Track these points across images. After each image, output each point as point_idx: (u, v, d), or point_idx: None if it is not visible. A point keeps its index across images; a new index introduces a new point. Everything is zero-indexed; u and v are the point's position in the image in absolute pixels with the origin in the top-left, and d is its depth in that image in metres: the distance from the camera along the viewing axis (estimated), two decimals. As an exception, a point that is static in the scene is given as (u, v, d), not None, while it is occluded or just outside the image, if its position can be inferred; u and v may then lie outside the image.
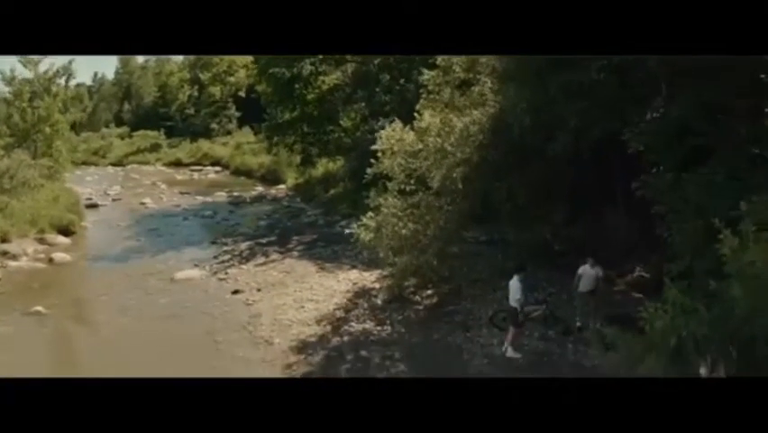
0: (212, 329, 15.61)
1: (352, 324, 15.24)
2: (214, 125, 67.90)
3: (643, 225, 14.07)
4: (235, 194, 38.98)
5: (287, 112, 35.46)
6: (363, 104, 32.54)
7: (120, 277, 20.80)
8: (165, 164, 60.21)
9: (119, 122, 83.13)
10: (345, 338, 14.49)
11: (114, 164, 62.66)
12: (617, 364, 7.41)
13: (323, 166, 36.88)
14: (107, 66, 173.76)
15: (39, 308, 17.50)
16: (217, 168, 54.44)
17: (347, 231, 21.37)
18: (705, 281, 7.48)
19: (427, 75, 17.86)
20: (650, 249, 14.58)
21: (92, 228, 30.16)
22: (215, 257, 22.88)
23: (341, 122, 34.25)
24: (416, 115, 17.09)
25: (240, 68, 64.94)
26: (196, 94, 72.81)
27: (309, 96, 34.71)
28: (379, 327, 14.98)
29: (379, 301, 16.54)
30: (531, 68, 14.02)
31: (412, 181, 16.42)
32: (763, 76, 11.46)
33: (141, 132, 70.72)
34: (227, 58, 65.25)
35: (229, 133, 66.29)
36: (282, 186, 40.02)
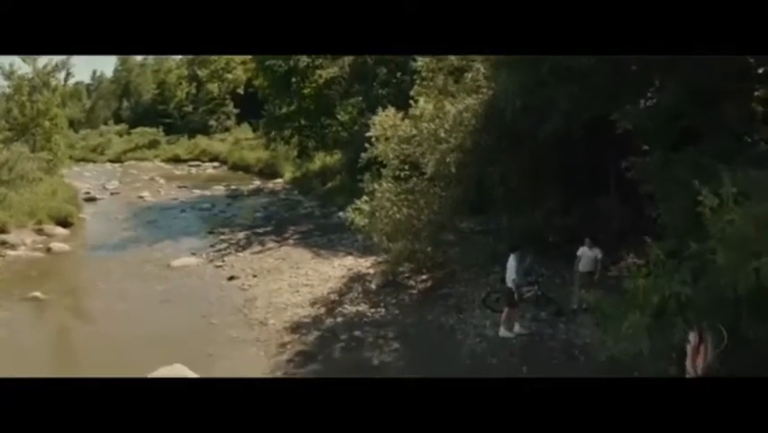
0: (207, 312, 15.79)
1: (346, 306, 15.41)
2: (212, 122, 68.00)
3: (636, 212, 14.20)
4: (233, 187, 39.12)
5: (284, 105, 35.63)
6: (360, 98, 32.69)
7: (117, 265, 20.98)
8: (163, 160, 60.24)
9: (118, 119, 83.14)
10: (339, 319, 14.67)
11: (112, 161, 62.61)
12: (604, 332, 7.53)
13: (320, 160, 37.00)
14: (106, 64, 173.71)
15: (37, 293, 17.68)
16: (215, 163, 54.52)
17: (341, 214, 21.41)
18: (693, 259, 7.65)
19: (421, 61, 18.01)
20: (643, 235, 14.74)
21: (90, 220, 30.31)
22: (212, 246, 23.06)
23: (338, 116, 34.39)
24: (411, 103, 17.25)
25: (238, 65, 65.07)
26: (194, 91, 72.90)
27: (306, 90, 34.88)
28: (372, 310, 15.13)
29: (373, 286, 16.69)
30: (522, 52, 14.13)
31: (406, 167, 16.60)
32: (750, 60, 11.65)
33: (139, 129, 70.67)
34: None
35: (227, 129, 66.42)
36: (280, 180, 40.14)
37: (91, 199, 35.80)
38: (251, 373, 12.22)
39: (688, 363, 9.29)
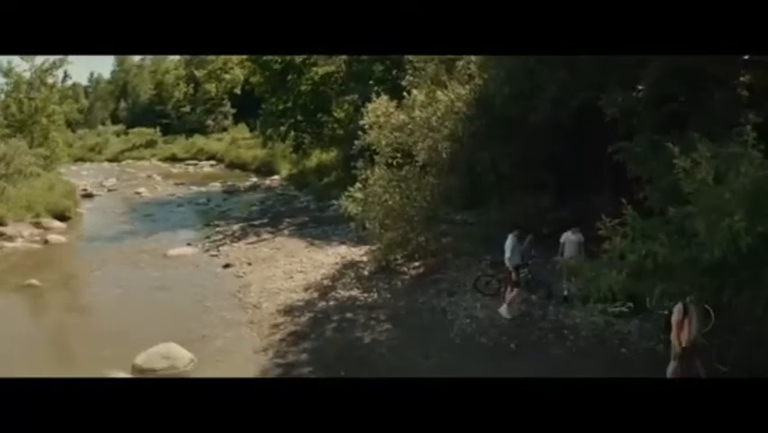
0: (202, 297, 15.97)
1: (339, 291, 15.59)
2: (209, 122, 68.19)
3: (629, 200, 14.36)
4: (229, 183, 39.32)
5: (280, 102, 35.85)
6: (356, 95, 32.87)
7: (113, 254, 21.15)
8: (160, 160, 60.46)
9: (115, 120, 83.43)
10: (331, 303, 14.85)
11: (109, 160, 62.82)
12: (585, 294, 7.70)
13: (316, 157, 37.24)
14: (103, 66, 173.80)
15: (33, 281, 17.84)
16: (212, 162, 54.75)
17: (335, 202, 21.58)
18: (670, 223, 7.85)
19: (414, 51, 18.19)
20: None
21: (87, 214, 30.53)
22: (208, 237, 23.26)
23: (334, 113, 34.60)
24: (405, 94, 17.47)
25: (235, 65, 65.22)
26: (191, 91, 73.11)
27: (303, 87, 35.11)
28: (365, 294, 15.32)
29: (366, 272, 16.88)
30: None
31: (398, 155, 16.81)
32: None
33: (137, 129, 70.95)
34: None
35: (225, 129, 66.60)
36: (276, 177, 40.37)
37: (88, 196, 35.97)
38: (242, 351, 12.48)
39: (673, 336, 9.51)
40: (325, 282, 16.34)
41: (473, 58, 17.02)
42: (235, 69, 64.74)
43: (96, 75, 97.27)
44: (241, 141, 56.16)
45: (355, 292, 15.47)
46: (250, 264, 18.82)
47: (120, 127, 77.73)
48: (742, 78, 13.01)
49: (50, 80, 39.18)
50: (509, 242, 13.30)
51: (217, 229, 24.53)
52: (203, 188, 38.40)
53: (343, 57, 33.44)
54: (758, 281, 7.19)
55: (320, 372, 11.37)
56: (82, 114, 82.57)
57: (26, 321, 15.63)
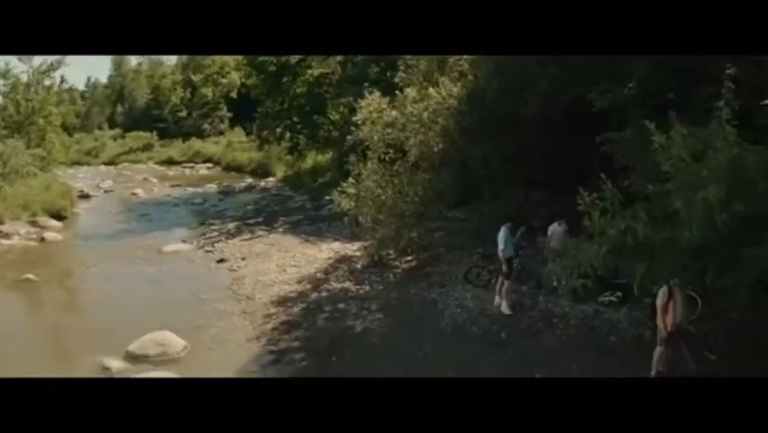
0: (196, 290, 16.14)
1: (332, 283, 15.77)
2: (206, 126, 68.40)
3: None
4: (225, 184, 39.52)
5: (276, 104, 36.09)
6: (351, 97, 33.05)
7: (109, 251, 21.30)
8: (157, 162, 60.62)
9: (112, 124, 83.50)
10: (324, 294, 15.02)
11: (106, 164, 62.96)
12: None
13: (311, 158, 37.43)
14: (100, 71, 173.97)
15: (29, 275, 17.98)
16: (209, 164, 54.92)
17: (327, 198, 21.75)
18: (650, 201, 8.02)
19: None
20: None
21: (83, 214, 30.69)
22: (203, 234, 23.43)
23: (329, 115, 34.80)
24: (397, 92, 17.66)
25: (232, 69, 65.49)
26: (188, 95, 73.31)
27: (298, 90, 35.37)
28: (357, 286, 15.47)
29: (359, 266, 17.04)
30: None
31: (391, 151, 16.99)
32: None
33: (133, 133, 71.17)
34: (219, 59, 65.79)
35: (221, 133, 66.78)
36: (272, 178, 40.56)
37: (85, 196, 36.11)
38: (235, 339, 12.64)
39: (658, 320, 9.65)
40: (318, 275, 16.51)
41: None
42: (232, 73, 65.06)
43: (93, 80, 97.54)
44: (237, 144, 56.34)
45: (347, 284, 15.62)
46: (244, 259, 19.00)
47: (117, 131, 77.84)
48: (728, 72, 13.23)
49: (47, 82, 39.45)
50: (502, 234, 13.33)
51: (212, 227, 24.69)
52: (199, 189, 38.60)
53: (338, 58, 33.68)
54: (741, 263, 7.31)
55: (311, 358, 11.54)
56: (79, 118, 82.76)
57: (23, 313, 15.77)
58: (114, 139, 74.35)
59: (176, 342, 12.16)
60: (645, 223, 7.08)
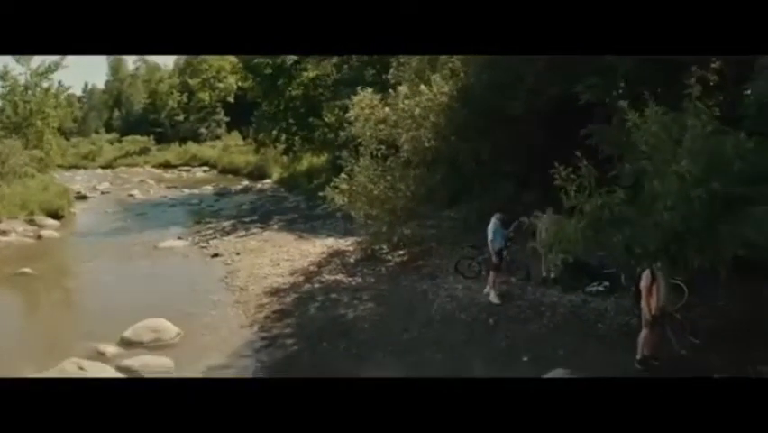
0: (191, 282, 16.39)
1: (324, 275, 16.03)
2: (202, 130, 68.55)
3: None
4: (221, 185, 39.76)
5: (272, 106, 36.36)
6: (347, 100, 33.25)
7: (105, 247, 21.53)
8: (154, 166, 60.73)
9: (109, 129, 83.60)
10: (316, 286, 15.28)
11: (103, 167, 63.02)
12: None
13: (307, 160, 37.68)
14: (97, 76, 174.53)
15: (26, 269, 18.19)
16: (205, 168, 55.12)
17: (320, 193, 21.92)
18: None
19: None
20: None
21: (80, 214, 30.85)
22: (198, 232, 23.67)
23: (324, 117, 35.05)
24: (390, 91, 17.92)
25: (228, 73, 65.75)
26: (185, 100, 73.46)
27: (294, 92, 35.65)
28: (349, 278, 15.72)
29: (351, 260, 17.28)
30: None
31: (383, 147, 17.24)
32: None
33: (130, 137, 71.28)
34: (216, 63, 66.04)
35: (218, 137, 66.95)
36: (268, 180, 40.78)
37: (82, 197, 36.21)
38: (228, 326, 12.86)
39: (643, 303, 9.85)
40: (311, 268, 16.76)
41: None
42: (228, 77, 65.31)
43: (90, 85, 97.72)
44: (233, 147, 56.53)
45: (340, 277, 15.88)
46: (238, 254, 19.24)
47: (114, 136, 77.95)
48: (713, 65, 13.51)
49: (45, 84, 39.69)
50: (492, 225, 13.48)
51: (208, 225, 24.94)
52: (195, 191, 38.82)
53: (334, 60, 33.94)
54: (718, 240, 7.52)
55: (302, 343, 11.78)
56: (76, 123, 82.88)
57: (20, 304, 15.98)
58: (111, 143, 74.40)
59: (170, 328, 12.40)
60: (622, 199, 7.31)
